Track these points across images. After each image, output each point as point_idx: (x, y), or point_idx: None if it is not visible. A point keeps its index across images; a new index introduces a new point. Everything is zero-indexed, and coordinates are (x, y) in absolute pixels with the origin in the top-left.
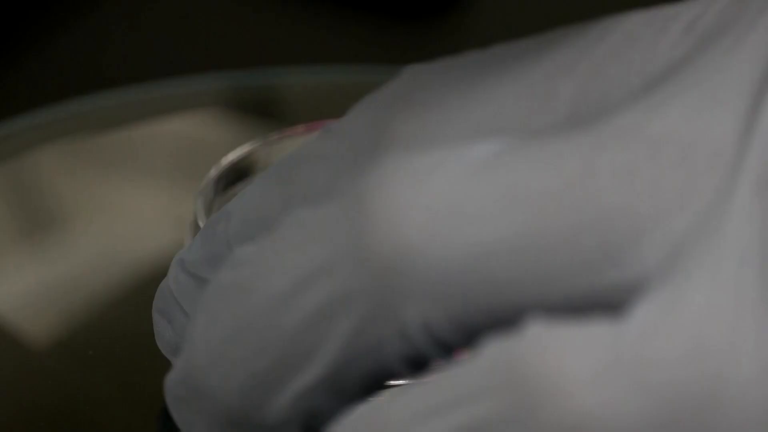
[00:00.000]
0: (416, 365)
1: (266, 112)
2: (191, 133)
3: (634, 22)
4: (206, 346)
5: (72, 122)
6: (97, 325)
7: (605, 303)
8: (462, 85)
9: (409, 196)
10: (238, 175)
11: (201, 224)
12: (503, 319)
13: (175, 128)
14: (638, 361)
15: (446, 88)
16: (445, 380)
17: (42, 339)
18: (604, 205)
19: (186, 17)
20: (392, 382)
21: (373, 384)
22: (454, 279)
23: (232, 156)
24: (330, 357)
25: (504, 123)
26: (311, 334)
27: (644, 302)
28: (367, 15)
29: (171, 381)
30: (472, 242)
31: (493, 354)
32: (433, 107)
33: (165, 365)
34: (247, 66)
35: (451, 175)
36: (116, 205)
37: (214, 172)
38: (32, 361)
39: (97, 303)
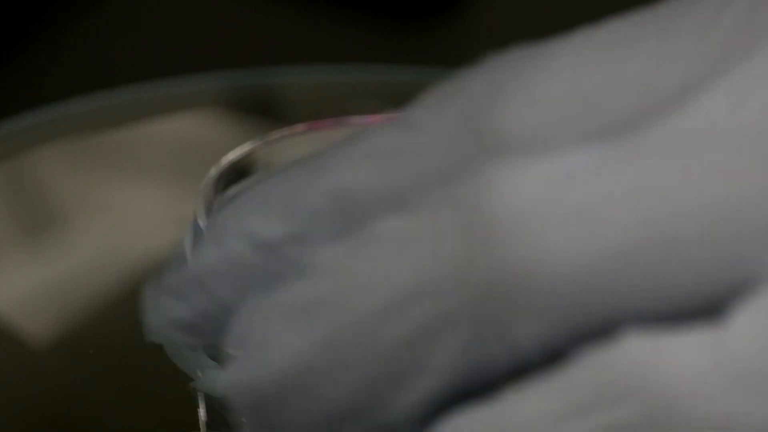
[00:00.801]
0: (520, 375)
1: (266, 112)
2: (191, 133)
3: None
4: (289, 355)
5: (72, 122)
6: (97, 325)
7: (713, 306)
8: (558, 76)
9: (538, 207)
10: (238, 175)
11: (201, 224)
12: (616, 326)
13: (175, 128)
14: (752, 366)
15: (540, 79)
16: (561, 387)
17: (42, 339)
18: (731, 204)
19: (186, 17)
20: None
21: (473, 394)
22: (580, 290)
23: (232, 156)
24: (430, 381)
25: (614, 119)
26: (411, 355)
27: (750, 306)
28: (367, 15)
29: (236, 382)
30: (599, 251)
31: (608, 359)
32: (533, 103)
33: (165, 365)
34: (247, 66)
35: (576, 181)
36: (116, 205)
37: (214, 172)
38: (32, 361)
39: (97, 303)
